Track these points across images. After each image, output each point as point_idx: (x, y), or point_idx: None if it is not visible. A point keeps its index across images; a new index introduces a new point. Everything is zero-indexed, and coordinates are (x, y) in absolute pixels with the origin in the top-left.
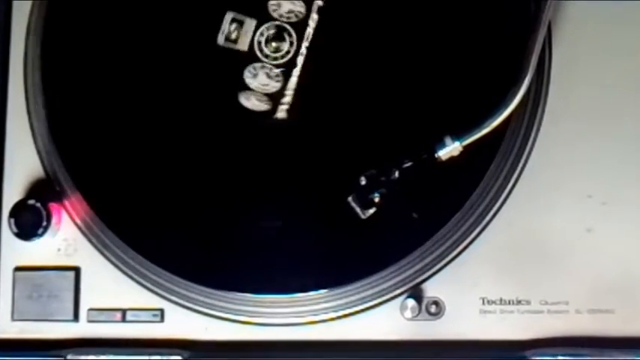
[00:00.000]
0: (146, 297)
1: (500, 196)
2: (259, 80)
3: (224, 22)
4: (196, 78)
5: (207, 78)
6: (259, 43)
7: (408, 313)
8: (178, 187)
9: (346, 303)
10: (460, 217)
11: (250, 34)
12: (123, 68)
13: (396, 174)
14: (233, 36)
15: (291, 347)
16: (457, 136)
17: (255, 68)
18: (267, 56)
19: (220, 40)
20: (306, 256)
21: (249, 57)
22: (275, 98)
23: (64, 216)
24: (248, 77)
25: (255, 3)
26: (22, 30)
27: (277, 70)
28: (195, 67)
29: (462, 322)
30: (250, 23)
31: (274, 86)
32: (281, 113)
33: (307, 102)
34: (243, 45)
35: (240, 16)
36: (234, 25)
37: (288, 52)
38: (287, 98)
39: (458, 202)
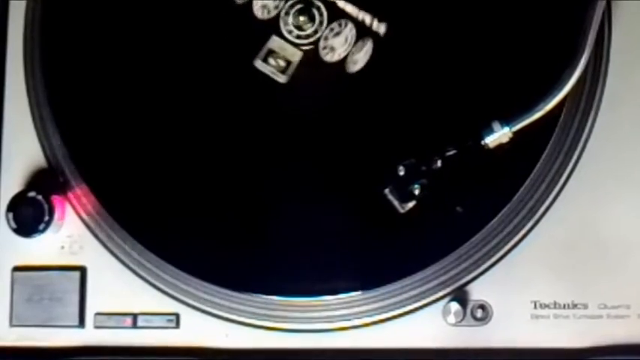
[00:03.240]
0: (160, 300)
1: (553, 187)
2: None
3: None
4: (217, 58)
5: (230, 56)
6: (287, 13)
7: (452, 318)
8: (196, 177)
9: (382, 307)
10: (509, 211)
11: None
12: (133, 47)
13: (439, 163)
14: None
15: (321, 356)
16: (506, 121)
17: (341, 24)
18: (290, 32)
19: None
20: (338, 254)
21: (270, 27)
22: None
23: (68, 210)
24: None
25: None
26: (22, 5)
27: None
28: (212, 44)
29: (512, 328)
30: None
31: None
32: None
33: (342, 84)
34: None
35: None
36: None
37: (315, 32)
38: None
39: (507, 195)
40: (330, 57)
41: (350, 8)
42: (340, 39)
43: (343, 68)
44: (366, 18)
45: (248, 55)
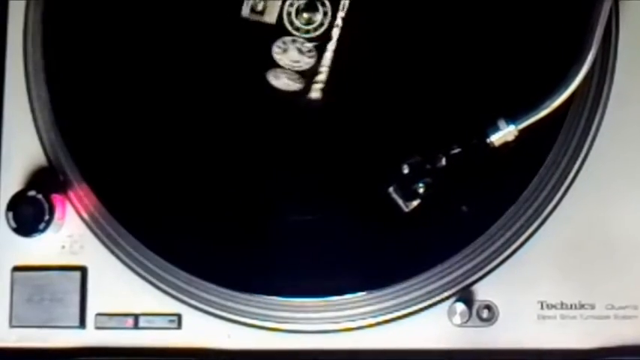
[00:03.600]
0: (161, 300)
1: (560, 186)
2: (290, 56)
3: None
4: (218, 56)
5: (230, 56)
6: (289, 14)
7: (457, 319)
8: (198, 176)
9: (387, 307)
10: (515, 210)
11: (279, 4)
12: (135, 45)
13: (443, 161)
14: (259, 7)
15: (325, 357)
16: (512, 118)
17: (285, 42)
18: (298, 29)
19: (245, 12)
20: (342, 254)
21: (278, 30)
22: (308, 76)
23: (69, 209)
24: (277, 53)
25: None
26: (22, 2)
27: (310, 45)
28: (217, 43)
29: (518, 329)
30: None
31: (307, 62)
32: (315, 93)
33: (343, 80)
34: (270, 17)
35: None
36: None
37: (321, 25)
38: (321, 76)
39: (513, 194)
40: (276, 53)
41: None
42: (296, 56)
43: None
44: (322, 76)
45: (249, 53)
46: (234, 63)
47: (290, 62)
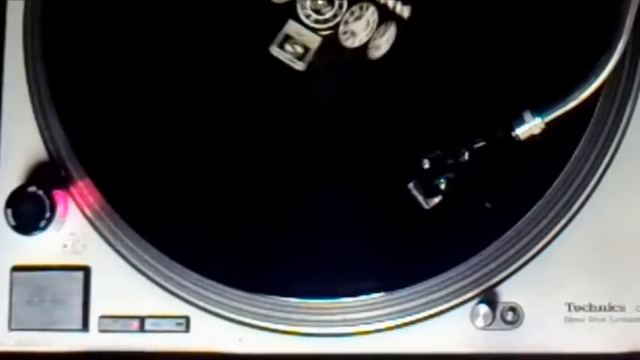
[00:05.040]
0: (169, 302)
1: (589, 181)
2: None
3: None
4: (224, 40)
5: (239, 41)
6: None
7: (480, 321)
8: (207, 172)
9: (406, 309)
10: (541, 207)
11: None
12: (139, 35)
13: (466, 156)
14: None
15: None
16: (538, 111)
17: (353, 12)
18: (308, 16)
19: None
20: (359, 253)
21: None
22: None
23: (71, 206)
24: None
25: None
26: None
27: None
28: (225, 30)
29: (544, 332)
30: None
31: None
32: (405, 11)
33: (363, 72)
34: None
35: None
36: None
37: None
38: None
39: (539, 190)
40: (351, 42)
41: None
42: (361, 23)
43: (364, 54)
44: (389, 1)
45: (262, 42)
46: (243, 50)
47: (364, 32)
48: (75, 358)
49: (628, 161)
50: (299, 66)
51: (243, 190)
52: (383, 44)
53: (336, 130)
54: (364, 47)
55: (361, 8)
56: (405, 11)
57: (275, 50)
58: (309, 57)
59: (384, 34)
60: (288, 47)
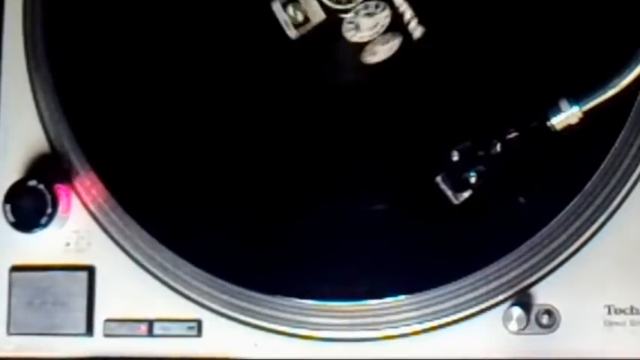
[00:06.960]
0: (179, 305)
1: (629, 176)
2: (365, 26)
3: None
4: (239, 35)
5: (252, 35)
6: None
7: (514, 325)
8: (219, 164)
9: (434, 312)
10: (579, 203)
11: None
12: (143, 23)
13: (498, 147)
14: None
15: None
16: (576, 99)
17: (350, 22)
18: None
19: None
20: (383, 252)
21: None
22: (398, 25)
23: (74, 201)
24: (353, 34)
25: None
26: None
27: (372, 2)
28: (229, 17)
29: (582, 337)
30: None
31: (384, 17)
32: (417, 31)
33: (389, 62)
34: None
35: None
36: None
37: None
38: (407, 14)
39: (576, 185)
40: (352, 35)
41: None
42: (370, 21)
43: (358, 53)
44: (407, 14)
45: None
46: (256, 42)
47: (370, 31)
48: None
49: None
50: (292, 33)
51: (257, 186)
52: (381, 52)
53: (358, 122)
54: (361, 46)
55: (377, 6)
56: (417, 31)
57: (276, 7)
58: (305, 29)
59: (386, 42)
60: (290, 9)
